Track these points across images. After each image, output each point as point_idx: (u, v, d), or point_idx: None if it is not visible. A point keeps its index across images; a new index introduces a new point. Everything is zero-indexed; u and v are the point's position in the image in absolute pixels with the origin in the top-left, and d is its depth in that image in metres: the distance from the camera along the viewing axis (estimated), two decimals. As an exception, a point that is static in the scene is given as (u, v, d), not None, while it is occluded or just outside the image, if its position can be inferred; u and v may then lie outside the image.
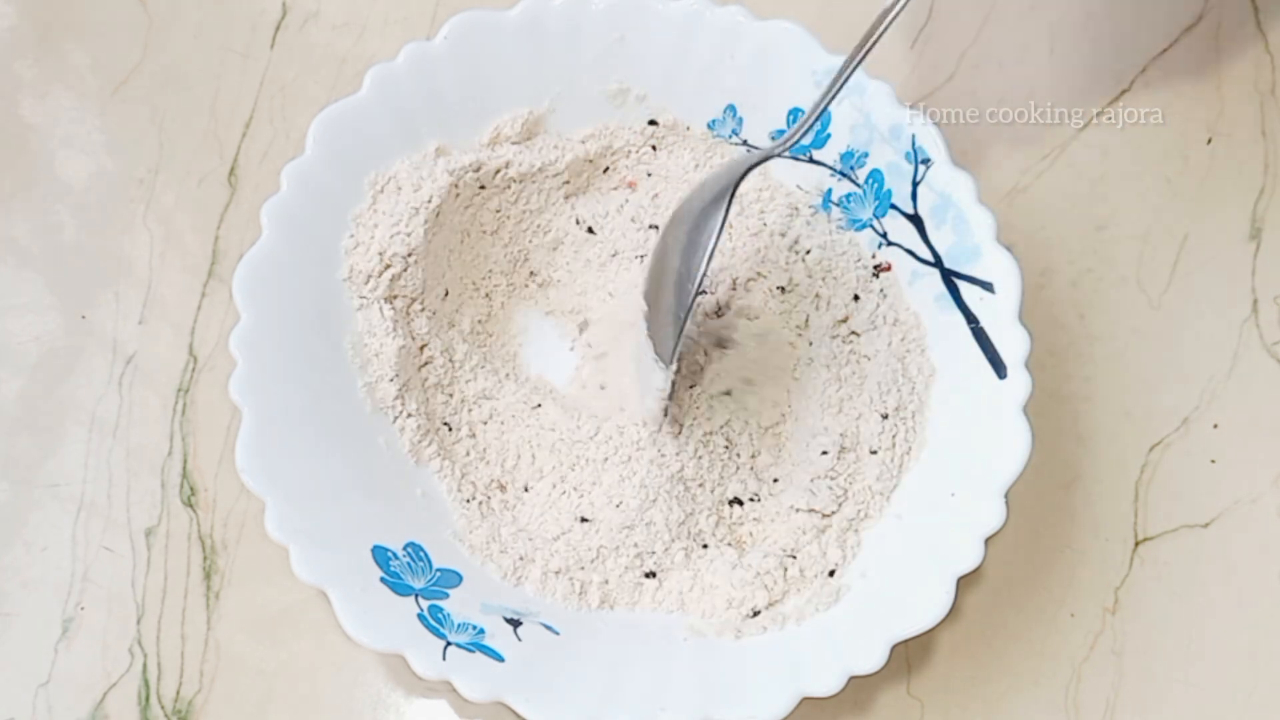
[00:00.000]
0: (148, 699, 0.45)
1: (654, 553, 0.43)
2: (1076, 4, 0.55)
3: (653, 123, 0.49)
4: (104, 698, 0.45)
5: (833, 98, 0.42)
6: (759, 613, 0.42)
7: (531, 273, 0.50)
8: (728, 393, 0.46)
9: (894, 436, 0.45)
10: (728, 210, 0.40)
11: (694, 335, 0.47)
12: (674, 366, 0.42)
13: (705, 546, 0.44)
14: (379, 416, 0.45)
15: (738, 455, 0.46)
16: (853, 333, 0.47)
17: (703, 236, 0.40)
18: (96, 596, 0.46)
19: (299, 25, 0.56)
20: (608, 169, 0.50)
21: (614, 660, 0.41)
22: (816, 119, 0.42)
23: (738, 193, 0.45)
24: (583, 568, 0.43)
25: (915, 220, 0.46)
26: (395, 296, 0.46)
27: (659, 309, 0.42)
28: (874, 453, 0.45)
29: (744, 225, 0.49)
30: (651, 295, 0.43)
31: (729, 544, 0.45)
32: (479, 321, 0.49)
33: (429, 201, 0.46)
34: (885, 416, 0.45)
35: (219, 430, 0.48)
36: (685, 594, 0.43)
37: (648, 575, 0.43)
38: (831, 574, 0.43)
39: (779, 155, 0.42)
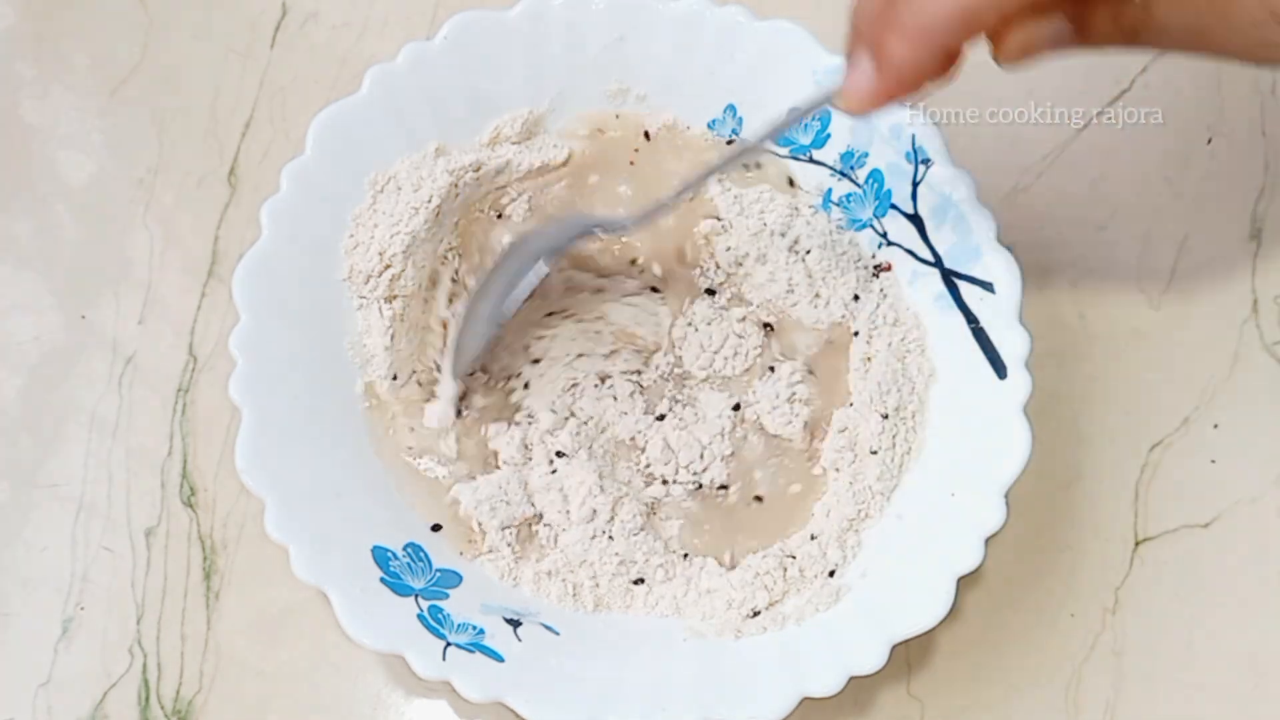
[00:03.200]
0: (148, 699, 0.45)
1: (635, 562, 0.43)
2: (1076, 4, 0.55)
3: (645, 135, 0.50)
4: (104, 698, 0.45)
5: (688, 192, 0.43)
6: (759, 613, 0.42)
7: None
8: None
9: (894, 436, 0.45)
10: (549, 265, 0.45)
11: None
12: (457, 384, 0.46)
13: (686, 556, 0.44)
14: (379, 416, 0.45)
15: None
16: (854, 333, 0.47)
17: (520, 285, 0.45)
18: (96, 596, 0.46)
19: (299, 25, 0.56)
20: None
21: (614, 660, 0.41)
22: (680, 196, 0.43)
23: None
24: (573, 570, 0.43)
25: (915, 220, 0.46)
26: (395, 296, 0.46)
27: (471, 324, 0.45)
28: (874, 453, 0.45)
29: (744, 225, 0.49)
30: (471, 310, 0.45)
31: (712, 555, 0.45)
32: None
33: (429, 201, 0.46)
34: (885, 416, 0.45)
35: (219, 430, 0.48)
36: (679, 599, 0.43)
37: (635, 582, 0.43)
38: (831, 574, 0.43)
39: (618, 231, 0.45)
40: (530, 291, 0.46)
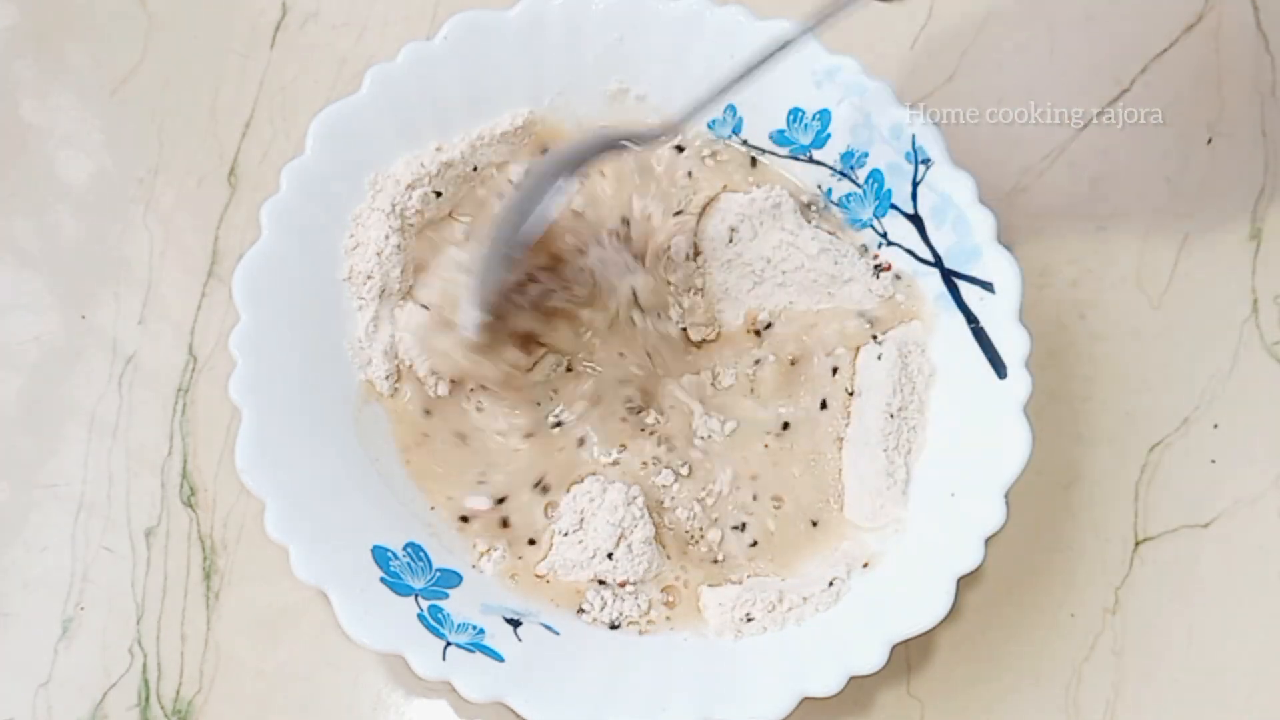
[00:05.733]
0: (148, 699, 0.45)
1: (631, 580, 0.44)
2: (1076, 4, 0.55)
3: None
4: (104, 698, 0.45)
5: (734, 82, 0.42)
6: (757, 615, 0.42)
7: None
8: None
9: (897, 436, 0.45)
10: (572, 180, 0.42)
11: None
12: (483, 315, 0.43)
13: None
14: (379, 416, 0.45)
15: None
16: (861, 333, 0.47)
17: (547, 207, 0.42)
18: (96, 596, 0.46)
19: (299, 25, 0.56)
20: None
21: (614, 660, 0.41)
22: (720, 94, 0.42)
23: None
24: (569, 570, 0.43)
25: (915, 220, 0.46)
26: (385, 292, 0.46)
27: (495, 247, 0.43)
28: (884, 451, 0.45)
29: (750, 229, 0.49)
30: (494, 235, 0.43)
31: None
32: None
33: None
34: (892, 416, 0.45)
35: (219, 430, 0.48)
36: (673, 611, 0.43)
37: (629, 592, 0.44)
38: (831, 574, 0.43)
39: (648, 143, 0.44)
40: (555, 211, 0.42)
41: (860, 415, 0.45)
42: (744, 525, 0.45)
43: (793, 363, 0.47)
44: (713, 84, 0.42)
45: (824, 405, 0.46)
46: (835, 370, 0.46)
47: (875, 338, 0.46)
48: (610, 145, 0.43)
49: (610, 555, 0.43)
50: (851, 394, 0.46)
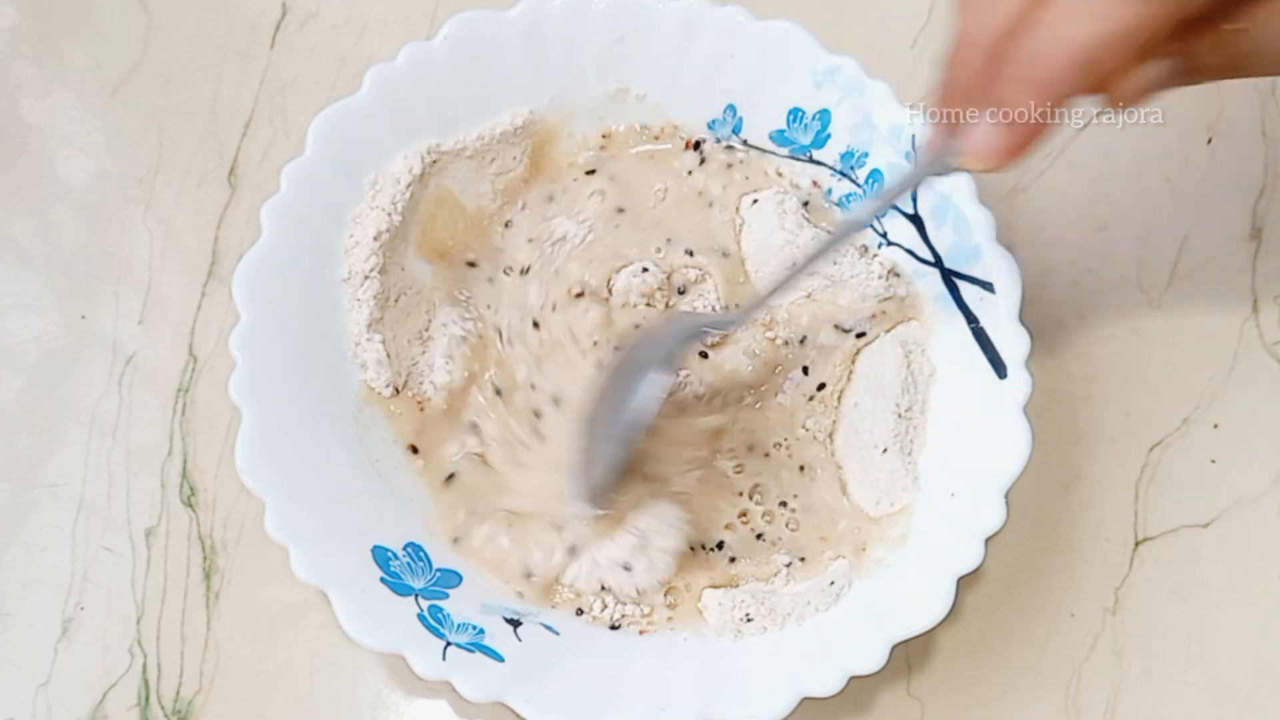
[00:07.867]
0: (148, 699, 0.45)
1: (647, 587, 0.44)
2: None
3: None
4: (104, 698, 0.45)
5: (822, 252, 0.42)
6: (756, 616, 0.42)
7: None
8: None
9: (898, 436, 0.45)
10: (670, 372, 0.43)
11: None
12: (594, 509, 0.43)
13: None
14: (379, 416, 0.45)
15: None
16: (860, 334, 0.47)
17: (644, 402, 0.41)
18: (96, 596, 0.46)
19: (299, 25, 0.56)
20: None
21: (614, 660, 0.41)
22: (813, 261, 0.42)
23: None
24: (568, 570, 0.44)
25: (915, 220, 0.46)
26: (384, 295, 0.46)
27: (593, 446, 0.43)
28: (884, 451, 0.45)
29: (760, 225, 0.49)
30: (590, 429, 0.43)
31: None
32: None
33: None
34: (900, 416, 0.45)
35: (219, 430, 0.48)
36: (674, 612, 0.43)
37: (630, 597, 0.44)
38: (832, 574, 0.43)
39: (726, 327, 0.45)
40: (658, 405, 0.42)
41: (870, 415, 0.45)
42: (758, 523, 0.45)
43: (789, 359, 0.47)
44: (791, 264, 0.43)
45: (811, 400, 0.46)
46: (832, 368, 0.47)
47: (863, 335, 0.46)
48: (694, 334, 0.44)
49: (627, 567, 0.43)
50: (823, 387, 0.46)
